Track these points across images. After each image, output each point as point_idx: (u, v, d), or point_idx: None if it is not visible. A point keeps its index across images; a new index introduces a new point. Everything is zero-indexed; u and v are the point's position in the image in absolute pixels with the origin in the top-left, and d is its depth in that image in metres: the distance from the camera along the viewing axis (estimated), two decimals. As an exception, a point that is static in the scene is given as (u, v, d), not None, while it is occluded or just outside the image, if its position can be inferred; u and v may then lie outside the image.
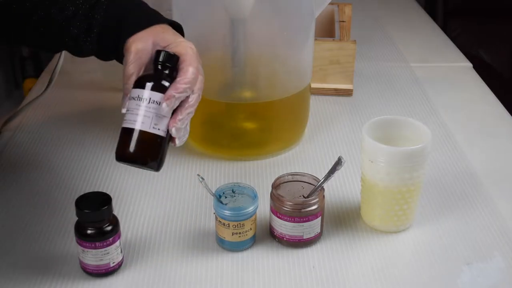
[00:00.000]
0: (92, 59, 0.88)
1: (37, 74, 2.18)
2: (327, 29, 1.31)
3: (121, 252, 0.77)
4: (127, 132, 0.73)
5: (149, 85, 0.73)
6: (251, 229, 0.80)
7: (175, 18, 0.98)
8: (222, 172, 0.97)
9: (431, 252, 0.81)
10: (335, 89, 1.21)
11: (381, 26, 1.56)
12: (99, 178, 0.95)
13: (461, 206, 0.90)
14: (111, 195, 0.75)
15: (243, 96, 1.00)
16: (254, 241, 0.82)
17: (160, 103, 0.73)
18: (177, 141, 0.76)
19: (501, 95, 1.24)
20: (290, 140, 1.04)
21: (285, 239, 0.81)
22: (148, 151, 0.73)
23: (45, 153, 1.02)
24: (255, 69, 0.98)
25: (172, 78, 0.75)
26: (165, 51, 0.76)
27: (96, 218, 0.73)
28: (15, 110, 1.14)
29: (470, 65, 1.37)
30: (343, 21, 1.26)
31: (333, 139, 1.06)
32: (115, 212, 0.76)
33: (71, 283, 0.76)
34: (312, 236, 0.81)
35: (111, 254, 0.75)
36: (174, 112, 0.75)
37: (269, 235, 0.83)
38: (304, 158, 1.01)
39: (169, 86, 0.74)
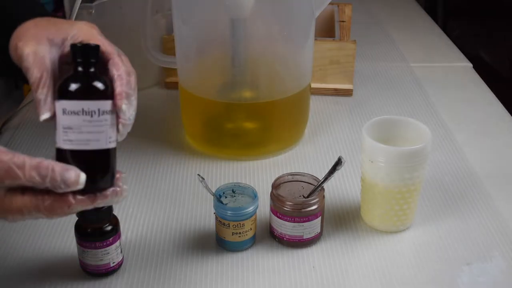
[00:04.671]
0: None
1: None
2: (327, 29, 1.31)
3: (121, 252, 0.77)
4: (77, 156, 0.61)
5: (88, 93, 0.61)
6: (251, 229, 0.80)
7: (175, 18, 0.98)
8: (222, 172, 0.97)
9: (431, 252, 0.81)
10: (335, 89, 1.21)
11: (381, 26, 1.56)
12: (99, 178, 0.95)
13: (461, 206, 0.90)
14: (111, 195, 0.75)
15: (243, 96, 1.00)
16: (254, 241, 0.82)
17: (108, 111, 0.62)
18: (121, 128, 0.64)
19: (501, 95, 1.24)
20: (290, 140, 1.04)
21: (285, 239, 0.81)
22: (103, 171, 0.62)
23: (45, 153, 1.01)
24: (255, 69, 0.98)
25: (102, 74, 0.63)
26: (83, 44, 0.63)
27: (96, 218, 0.73)
28: (15, 110, 1.14)
29: (470, 65, 1.37)
30: (343, 21, 1.26)
31: (333, 139, 1.06)
32: (115, 212, 0.76)
33: (71, 283, 0.76)
34: (312, 236, 0.81)
35: (111, 254, 0.75)
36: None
37: (269, 235, 0.83)
38: (304, 158, 1.01)
39: (106, 85, 0.62)
